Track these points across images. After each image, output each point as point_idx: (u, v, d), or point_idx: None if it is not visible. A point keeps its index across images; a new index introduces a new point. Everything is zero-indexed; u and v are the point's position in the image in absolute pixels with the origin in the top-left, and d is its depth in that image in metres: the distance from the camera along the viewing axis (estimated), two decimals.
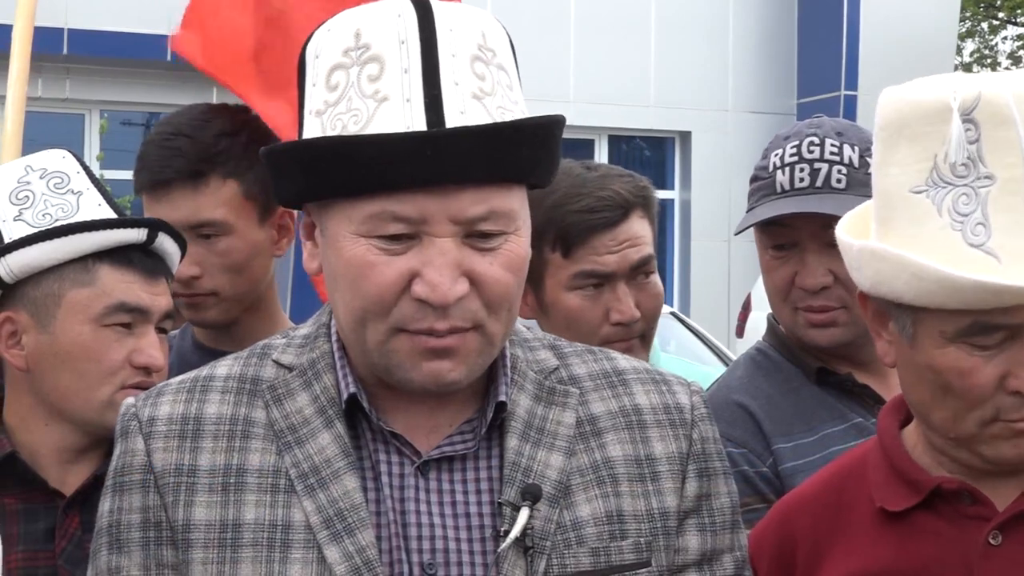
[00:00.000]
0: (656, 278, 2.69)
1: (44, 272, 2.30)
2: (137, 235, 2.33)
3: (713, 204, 15.82)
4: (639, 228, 2.63)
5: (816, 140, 2.50)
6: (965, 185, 1.75)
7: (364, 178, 1.64)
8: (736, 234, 2.56)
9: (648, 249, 2.64)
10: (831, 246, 2.43)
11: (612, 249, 2.60)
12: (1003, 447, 1.80)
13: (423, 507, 1.72)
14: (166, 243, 2.38)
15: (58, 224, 2.31)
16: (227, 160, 2.69)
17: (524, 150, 1.68)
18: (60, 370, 2.30)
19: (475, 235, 1.66)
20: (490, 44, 1.70)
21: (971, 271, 1.72)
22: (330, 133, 1.66)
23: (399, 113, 1.63)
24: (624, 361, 1.90)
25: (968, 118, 1.75)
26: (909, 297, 1.78)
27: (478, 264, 1.67)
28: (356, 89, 1.65)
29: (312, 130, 1.69)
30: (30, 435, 2.33)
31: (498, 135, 1.65)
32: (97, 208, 2.36)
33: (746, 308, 12.82)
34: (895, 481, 1.89)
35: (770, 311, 2.70)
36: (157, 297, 2.35)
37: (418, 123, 1.63)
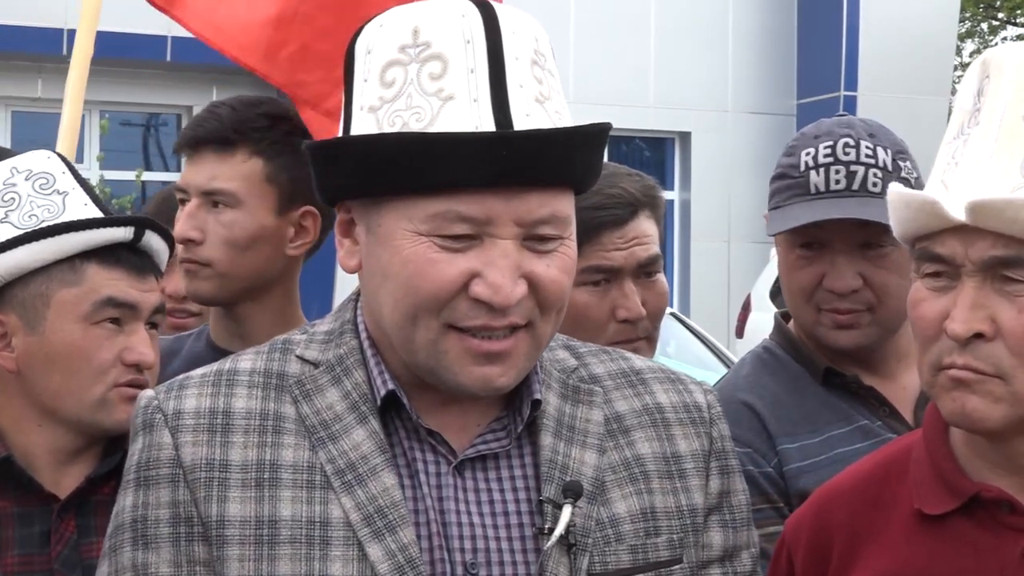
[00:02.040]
0: (662, 278, 2.69)
1: (32, 273, 2.30)
2: (124, 233, 2.33)
3: (713, 205, 15.82)
4: (647, 227, 2.64)
5: (851, 142, 2.48)
6: (967, 133, 1.78)
7: (434, 176, 1.63)
8: (772, 235, 2.52)
9: (655, 248, 2.65)
10: (862, 248, 2.45)
11: (620, 246, 2.61)
12: (943, 400, 1.80)
13: (462, 506, 1.72)
14: (153, 241, 2.38)
15: (44, 225, 2.31)
16: (260, 139, 2.70)
17: (584, 155, 1.70)
18: (51, 371, 2.29)
19: (533, 238, 1.67)
20: (542, 49, 1.72)
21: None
22: (388, 130, 1.65)
23: (466, 113, 1.63)
24: (639, 361, 1.92)
25: (986, 73, 1.79)
26: (897, 230, 1.84)
27: (537, 266, 1.67)
28: (416, 86, 1.65)
29: (365, 126, 1.68)
30: (24, 437, 2.32)
31: (567, 139, 1.67)
32: (83, 208, 2.35)
33: (746, 309, 12.81)
34: (935, 482, 1.86)
35: (777, 310, 2.69)
36: (146, 293, 2.35)
37: (486, 124, 1.63)
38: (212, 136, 2.69)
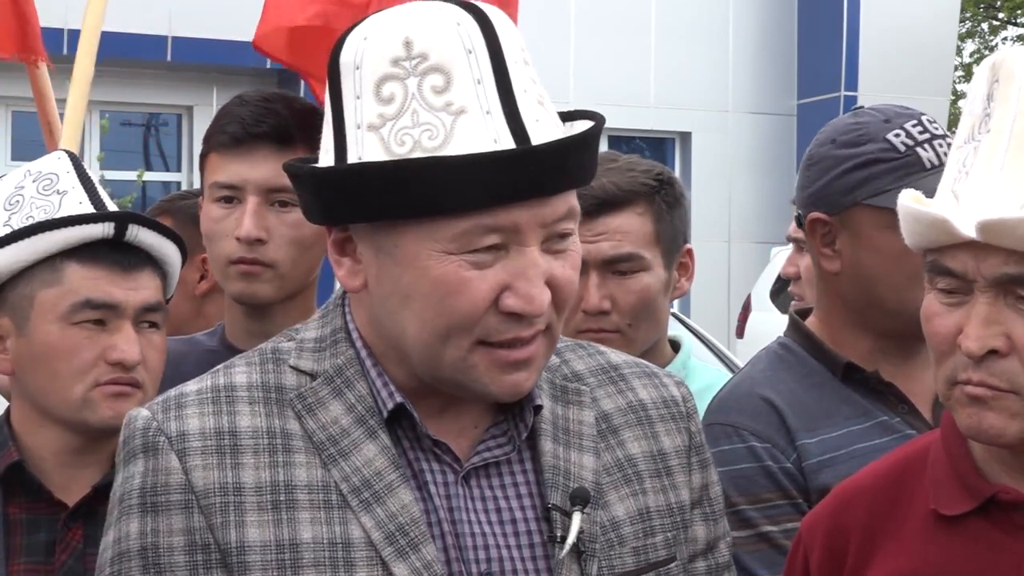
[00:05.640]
0: (643, 277, 2.66)
1: (20, 274, 2.29)
2: (103, 230, 2.29)
3: (713, 205, 15.81)
4: (627, 223, 2.63)
5: (929, 118, 2.49)
6: (978, 139, 1.77)
7: (462, 198, 1.60)
8: (925, 223, 2.45)
9: (628, 247, 2.63)
10: None
11: (587, 239, 2.60)
12: (960, 415, 1.79)
13: (473, 516, 1.71)
14: (142, 235, 2.32)
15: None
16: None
17: (591, 154, 1.70)
18: (37, 371, 2.28)
19: (552, 238, 1.66)
20: (523, 46, 1.69)
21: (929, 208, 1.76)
22: (397, 149, 1.61)
23: (481, 127, 1.60)
24: (614, 355, 1.91)
25: (995, 76, 1.77)
26: (907, 240, 1.83)
27: (556, 269, 1.66)
28: (420, 101, 1.61)
29: (368, 146, 1.63)
30: (32, 438, 2.32)
31: (582, 144, 1.66)
32: (78, 206, 2.32)
33: (746, 309, 12.81)
34: (953, 483, 1.86)
35: (793, 308, 2.67)
36: (132, 292, 2.30)
37: (503, 136, 1.60)
38: (274, 132, 2.60)
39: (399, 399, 1.71)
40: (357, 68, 1.65)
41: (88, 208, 2.33)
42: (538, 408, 1.75)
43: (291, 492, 1.67)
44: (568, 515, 1.70)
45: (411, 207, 1.62)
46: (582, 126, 1.69)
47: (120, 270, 2.30)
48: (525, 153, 1.60)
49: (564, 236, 1.67)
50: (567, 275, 1.67)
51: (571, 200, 1.67)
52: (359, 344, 1.75)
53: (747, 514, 2.33)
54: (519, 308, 1.63)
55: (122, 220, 2.31)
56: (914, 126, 2.47)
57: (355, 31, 1.68)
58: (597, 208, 2.61)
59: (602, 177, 2.60)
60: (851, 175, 2.48)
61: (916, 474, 1.92)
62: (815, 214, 2.53)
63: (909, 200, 1.81)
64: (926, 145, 2.45)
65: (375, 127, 1.63)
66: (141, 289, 2.32)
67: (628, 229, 2.64)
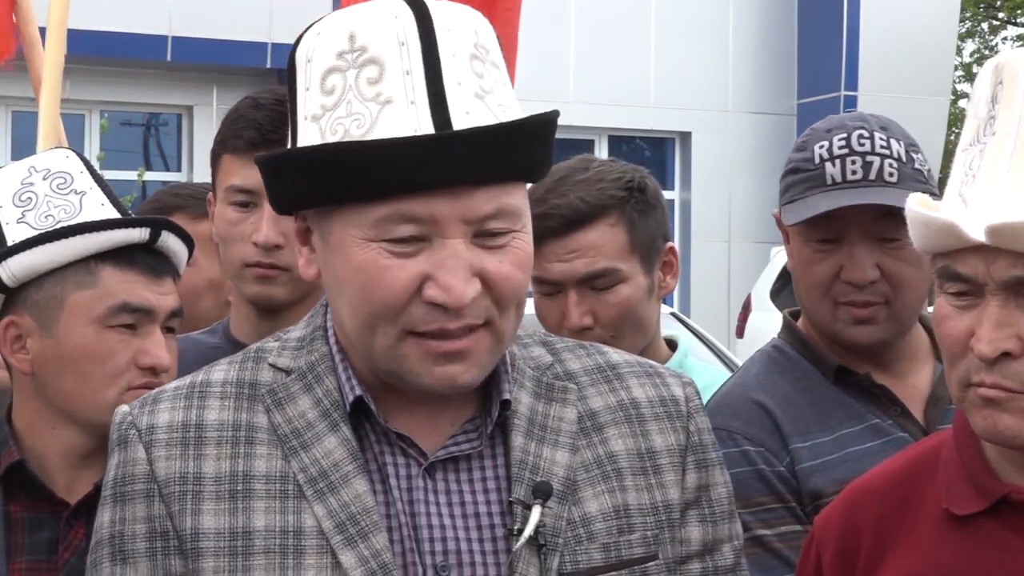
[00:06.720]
0: (621, 289, 2.65)
1: (46, 275, 2.27)
2: (140, 235, 2.30)
3: (713, 205, 15.83)
4: (599, 238, 2.62)
5: (865, 133, 2.47)
6: (983, 142, 1.77)
7: (376, 183, 1.62)
8: (790, 225, 2.49)
9: (603, 263, 2.62)
10: (879, 240, 2.43)
11: (562, 258, 2.60)
12: (974, 417, 1.79)
13: (432, 508, 1.72)
14: (170, 241, 2.35)
15: (60, 226, 2.28)
16: None
17: (528, 148, 1.69)
18: (65, 373, 2.27)
19: (483, 234, 1.66)
20: (483, 42, 1.70)
21: (938, 213, 1.76)
22: (330, 138, 1.65)
23: (404, 115, 1.62)
24: (616, 355, 1.91)
25: (999, 79, 1.77)
26: (916, 244, 1.83)
27: (488, 263, 1.66)
28: (355, 92, 1.65)
29: (309, 135, 1.68)
30: (38, 439, 2.31)
31: (507, 134, 1.65)
32: (100, 208, 2.33)
33: (746, 309, 12.83)
34: (964, 483, 1.86)
35: (783, 310, 2.67)
36: (162, 296, 2.32)
37: (425, 125, 1.62)
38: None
39: (359, 392, 1.73)
40: (308, 62, 1.70)
41: (110, 209, 2.34)
42: (506, 403, 1.75)
43: (248, 482, 1.71)
44: (529, 508, 1.70)
45: (331, 192, 1.66)
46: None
47: (153, 275, 2.32)
48: (441, 138, 1.61)
49: (497, 234, 1.67)
50: (503, 270, 1.67)
51: (502, 198, 1.66)
52: (332, 341, 1.79)
53: (741, 518, 2.33)
54: (440, 299, 1.64)
55: (156, 226, 2.33)
56: (840, 139, 2.47)
57: (311, 28, 1.72)
58: (567, 226, 2.60)
59: (569, 193, 2.60)
60: (783, 179, 2.54)
61: (927, 474, 1.92)
62: (775, 209, 2.59)
63: (916, 205, 1.80)
64: (836, 161, 2.45)
65: (317, 117, 1.67)
66: (169, 294, 2.34)
67: (601, 243, 2.62)
